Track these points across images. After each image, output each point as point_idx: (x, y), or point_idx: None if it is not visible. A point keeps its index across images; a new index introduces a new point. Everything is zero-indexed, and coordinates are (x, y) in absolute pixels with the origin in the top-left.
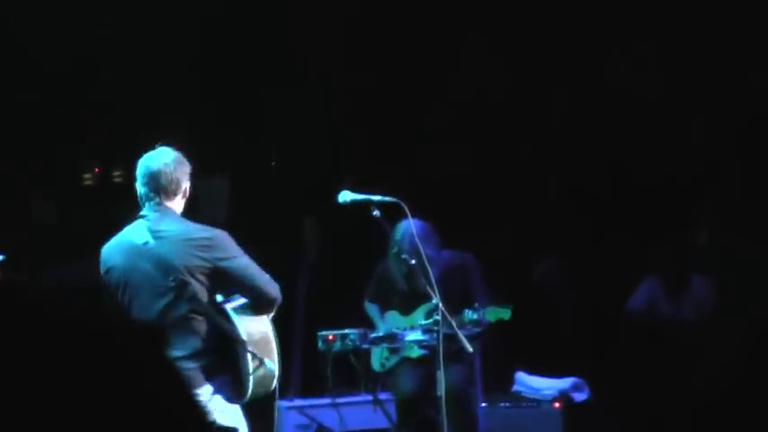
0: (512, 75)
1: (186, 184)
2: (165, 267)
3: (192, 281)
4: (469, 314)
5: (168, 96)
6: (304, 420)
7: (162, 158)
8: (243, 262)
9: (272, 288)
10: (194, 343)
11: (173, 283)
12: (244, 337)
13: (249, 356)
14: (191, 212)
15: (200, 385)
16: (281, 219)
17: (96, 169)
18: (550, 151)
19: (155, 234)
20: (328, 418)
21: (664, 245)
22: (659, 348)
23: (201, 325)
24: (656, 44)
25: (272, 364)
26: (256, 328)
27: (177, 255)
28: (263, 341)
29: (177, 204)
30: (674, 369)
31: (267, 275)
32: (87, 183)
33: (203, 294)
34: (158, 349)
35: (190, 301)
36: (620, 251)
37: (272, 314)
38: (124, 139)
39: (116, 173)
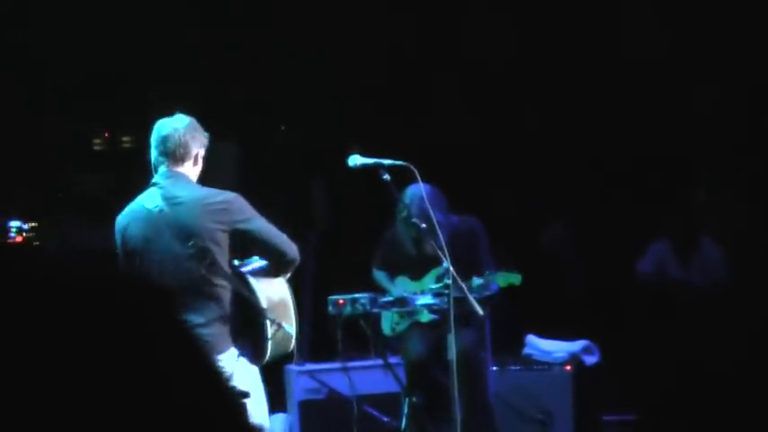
0: (517, 37)
1: (197, 151)
2: (183, 233)
3: (211, 245)
4: (477, 281)
5: (176, 62)
6: (315, 385)
7: (173, 124)
8: (260, 223)
9: (292, 248)
10: (215, 309)
11: (192, 249)
12: (263, 304)
13: (268, 323)
14: (199, 179)
15: (221, 351)
16: (289, 184)
17: (105, 134)
18: (556, 117)
19: (170, 200)
20: (339, 382)
21: (673, 208)
22: (669, 312)
23: (222, 291)
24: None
25: (291, 327)
26: (275, 292)
27: (194, 220)
28: (282, 304)
29: (188, 170)
30: (685, 333)
31: (285, 236)
32: (97, 148)
33: (223, 260)
34: (172, 312)
35: (209, 266)
36: (628, 215)
37: (288, 275)
38: (132, 105)
39: (125, 138)
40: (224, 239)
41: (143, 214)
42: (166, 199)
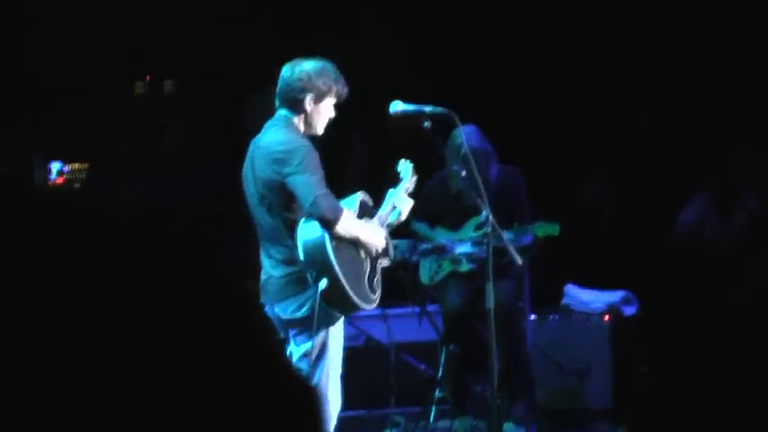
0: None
1: (306, 98)
2: (255, 177)
3: (266, 192)
4: (515, 229)
5: (219, 5)
6: (352, 331)
7: (295, 65)
8: (300, 179)
9: (315, 208)
10: (281, 251)
11: (257, 194)
12: (301, 256)
13: (308, 275)
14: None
15: (283, 297)
16: (330, 132)
17: (148, 77)
18: (601, 73)
19: (257, 143)
20: (376, 329)
21: (716, 162)
22: (708, 264)
23: (281, 235)
24: None
25: (324, 282)
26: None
27: (261, 166)
28: (320, 257)
29: (293, 115)
30: (722, 285)
31: (316, 196)
32: (138, 92)
33: (283, 206)
34: (187, 270)
35: (270, 210)
36: (671, 168)
37: (332, 230)
38: (174, 51)
39: (167, 82)
40: (280, 187)
41: (248, 153)
42: (256, 141)
